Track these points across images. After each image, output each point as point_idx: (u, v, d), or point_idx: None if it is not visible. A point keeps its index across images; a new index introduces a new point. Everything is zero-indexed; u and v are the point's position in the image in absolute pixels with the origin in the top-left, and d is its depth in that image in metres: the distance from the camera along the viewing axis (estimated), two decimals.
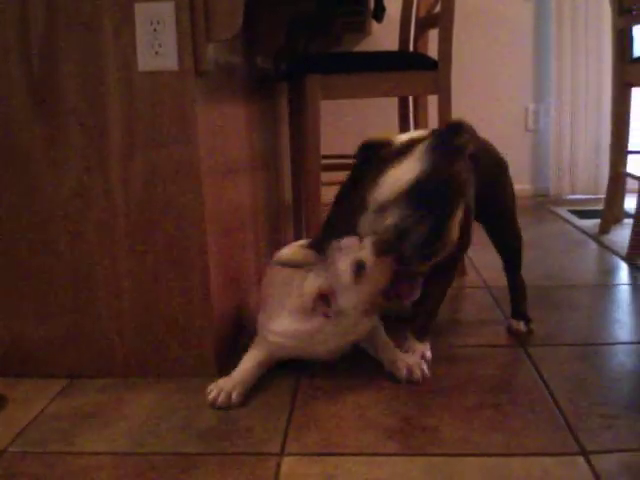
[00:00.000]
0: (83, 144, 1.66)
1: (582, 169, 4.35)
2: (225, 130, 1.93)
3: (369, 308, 1.59)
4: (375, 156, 1.57)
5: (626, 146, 3.28)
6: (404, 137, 1.61)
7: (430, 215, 1.47)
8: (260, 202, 2.45)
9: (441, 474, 1.28)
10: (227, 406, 1.57)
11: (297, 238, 2.88)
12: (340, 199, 1.75)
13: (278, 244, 2.65)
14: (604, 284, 2.52)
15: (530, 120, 4.44)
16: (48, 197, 1.69)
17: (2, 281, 1.75)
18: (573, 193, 4.38)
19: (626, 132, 3.27)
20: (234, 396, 1.58)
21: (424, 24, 2.99)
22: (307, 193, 2.48)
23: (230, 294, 1.94)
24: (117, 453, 1.40)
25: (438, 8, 2.56)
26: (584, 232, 3.36)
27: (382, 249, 1.53)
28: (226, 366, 1.70)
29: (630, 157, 3.31)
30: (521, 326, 1.97)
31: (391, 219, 1.49)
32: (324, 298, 1.57)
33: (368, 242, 1.56)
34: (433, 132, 1.58)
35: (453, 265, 1.81)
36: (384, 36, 3.84)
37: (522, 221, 2.00)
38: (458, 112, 2.50)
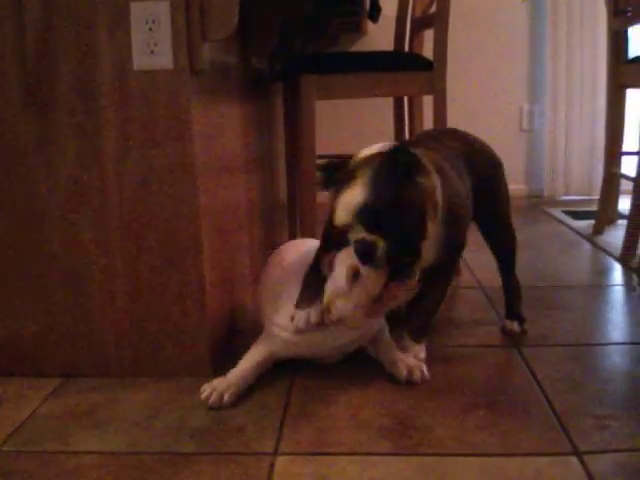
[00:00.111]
0: (78, 143, 1.66)
1: (576, 170, 4.36)
2: (220, 129, 1.93)
3: (368, 312, 1.59)
4: (332, 178, 1.58)
5: (620, 147, 3.29)
6: (361, 155, 1.58)
7: (388, 236, 1.46)
8: (255, 202, 2.45)
9: (434, 474, 1.28)
10: (219, 406, 1.57)
11: (292, 238, 2.88)
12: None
13: (273, 244, 2.65)
14: (598, 285, 2.53)
15: (525, 121, 4.45)
16: (43, 196, 1.69)
17: None
18: (567, 194, 4.39)
19: (620, 133, 3.27)
20: (226, 397, 1.58)
21: (420, 24, 2.99)
22: (302, 193, 2.48)
23: (225, 293, 1.94)
24: (111, 452, 1.40)
25: (434, 8, 2.57)
26: (578, 233, 3.36)
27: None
28: (220, 365, 1.70)
29: (624, 158, 3.31)
30: (515, 326, 1.98)
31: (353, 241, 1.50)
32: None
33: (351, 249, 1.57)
34: (385, 152, 1.56)
35: (451, 266, 1.81)
36: (380, 36, 3.85)
37: (516, 222, 2.00)
38: (453, 112, 2.51)
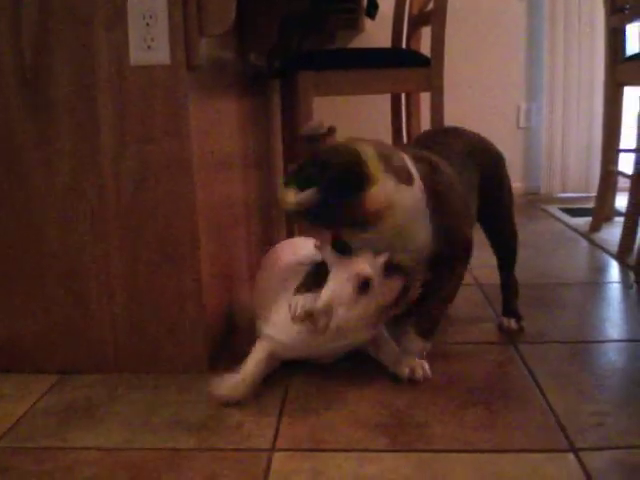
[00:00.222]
0: (75, 138, 1.65)
1: (573, 167, 4.36)
2: (217, 125, 1.93)
3: (370, 323, 1.59)
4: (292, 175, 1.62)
5: (617, 145, 3.29)
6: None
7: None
8: (252, 198, 2.44)
9: (431, 470, 1.28)
10: (231, 401, 1.56)
11: (289, 234, 2.88)
12: None
13: (270, 240, 2.65)
14: (595, 282, 2.53)
15: (522, 118, 4.45)
16: (40, 192, 1.68)
17: None
18: (564, 191, 4.39)
19: (618, 131, 3.27)
20: (240, 389, 1.57)
21: (417, 21, 3.00)
22: None
23: (222, 290, 1.94)
24: (108, 448, 1.40)
25: (431, 5, 2.57)
26: (575, 230, 3.37)
27: (392, 269, 1.57)
28: (218, 362, 1.70)
29: (621, 156, 3.32)
30: (512, 324, 1.98)
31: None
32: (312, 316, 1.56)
33: (371, 258, 1.57)
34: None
35: (456, 262, 1.73)
36: (377, 33, 3.85)
37: None
38: (450, 109, 2.51)
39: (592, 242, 3.10)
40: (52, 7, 1.60)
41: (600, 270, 2.73)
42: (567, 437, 1.38)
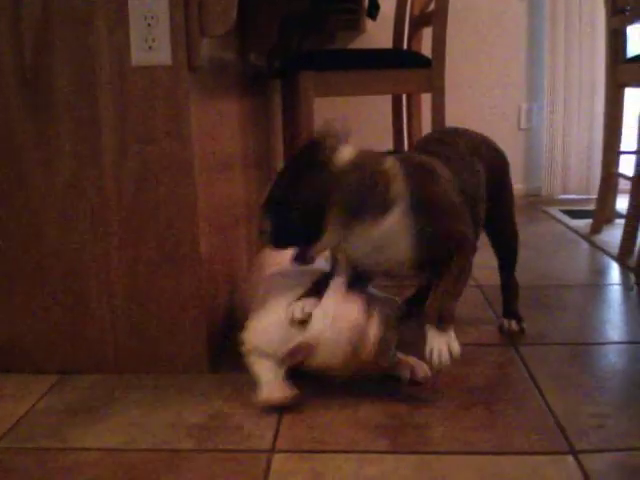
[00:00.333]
0: (76, 139, 1.66)
1: (574, 169, 4.36)
2: (218, 126, 1.93)
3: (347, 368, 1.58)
4: None
5: (618, 146, 3.29)
6: None
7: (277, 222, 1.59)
8: (253, 199, 2.44)
9: (431, 472, 1.28)
10: (285, 400, 1.55)
11: None
12: None
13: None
14: (595, 284, 2.53)
15: (523, 119, 4.45)
16: (40, 192, 1.68)
17: None
18: (565, 193, 4.39)
19: (619, 132, 3.27)
20: (284, 387, 1.57)
21: (418, 22, 3.00)
22: None
23: (222, 290, 1.94)
24: (108, 449, 1.40)
25: (432, 6, 2.57)
26: (576, 232, 3.37)
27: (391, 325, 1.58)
28: (218, 362, 1.70)
29: (622, 157, 3.32)
30: (513, 325, 1.97)
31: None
32: (299, 353, 1.56)
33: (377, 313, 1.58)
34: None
35: (455, 263, 1.63)
36: (378, 34, 3.85)
37: None
38: (451, 110, 2.51)
39: (593, 244, 3.10)
40: (53, 7, 1.60)
41: (601, 272, 2.73)
42: (567, 439, 1.38)
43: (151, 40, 1.60)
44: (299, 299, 1.61)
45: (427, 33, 2.66)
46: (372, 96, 3.10)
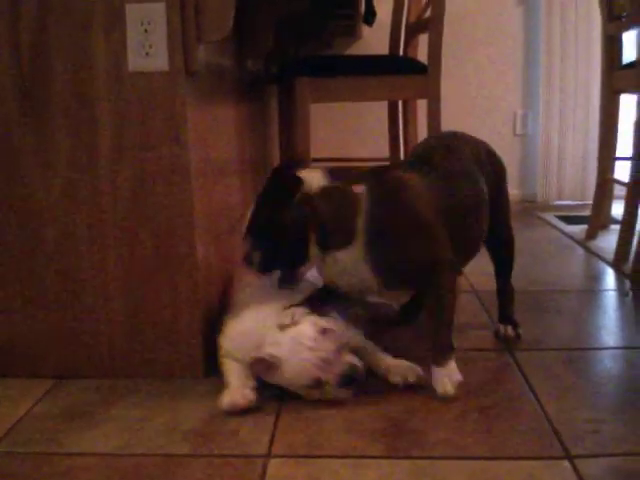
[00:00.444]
0: (72, 144, 1.66)
1: (570, 175, 4.36)
2: (215, 131, 1.93)
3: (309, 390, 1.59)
4: None
5: (614, 152, 3.29)
6: None
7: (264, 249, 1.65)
8: (249, 204, 2.44)
9: (426, 477, 1.28)
10: (246, 406, 1.55)
11: None
12: None
13: None
14: (591, 290, 2.53)
15: (519, 125, 4.45)
16: (37, 197, 1.69)
17: None
18: (560, 199, 4.39)
19: (614, 138, 3.28)
20: (247, 393, 1.57)
21: (414, 29, 3.00)
22: None
23: (218, 295, 1.94)
24: (103, 454, 1.40)
25: (428, 13, 2.58)
26: (571, 238, 3.37)
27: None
28: (213, 367, 1.70)
29: (618, 163, 3.32)
30: (509, 330, 1.97)
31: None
32: (259, 365, 1.57)
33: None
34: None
35: (436, 287, 1.67)
36: (375, 40, 3.85)
37: None
38: (447, 116, 2.52)
39: (588, 250, 3.11)
40: (50, 12, 1.60)
41: (596, 278, 2.73)
42: (562, 444, 1.38)
43: (148, 46, 1.60)
44: (290, 307, 1.64)
45: (423, 39, 2.67)
46: (368, 102, 3.11)
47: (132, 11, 1.59)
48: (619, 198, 3.19)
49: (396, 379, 1.66)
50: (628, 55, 3.15)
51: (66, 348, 1.76)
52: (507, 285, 2.03)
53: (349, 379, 1.56)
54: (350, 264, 1.62)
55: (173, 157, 1.65)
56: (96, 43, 1.61)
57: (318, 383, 1.55)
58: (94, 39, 1.61)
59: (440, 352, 1.63)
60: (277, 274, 1.69)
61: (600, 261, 2.90)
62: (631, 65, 2.96)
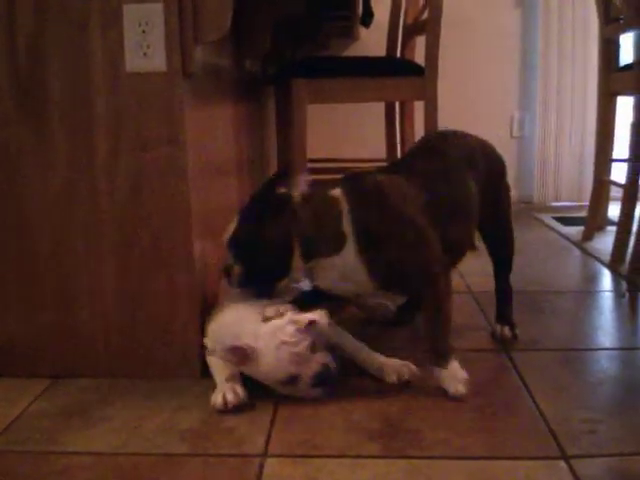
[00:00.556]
0: (69, 144, 1.66)
1: (566, 176, 4.37)
2: (212, 132, 1.93)
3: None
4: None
5: (610, 154, 3.30)
6: None
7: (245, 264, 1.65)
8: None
9: (423, 476, 1.29)
10: (238, 404, 1.56)
11: None
12: None
13: None
14: (587, 291, 2.54)
15: (515, 127, 4.46)
16: (33, 195, 1.69)
17: None
18: (557, 200, 4.40)
19: (611, 140, 3.28)
20: (238, 390, 1.58)
21: (411, 30, 3.01)
22: None
23: (215, 295, 1.94)
24: (100, 453, 1.40)
25: (426, 15, 2.58)
26: (568, 239, 3.37)
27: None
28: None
29: (614, 165, 3.33)
30: (506, 331, 1.97)
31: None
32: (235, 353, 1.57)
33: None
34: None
35: (427, 293, 1.67)
36: (372, 42, 3.85)
37: None
38: (444, 118, 2.52)
39: (585, 251, 3.11)
40: (47, 13, 1.61)
41: (592, 279, 2.74)
42: (559, 444, 1.39)
43: (145, 46, 1.61)
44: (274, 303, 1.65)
45: (420, 41, 2.67)
46: (365, 103, 3.11)
47: (129, 11, 1.60)
48: (615, 200, 3.20)
49: (391, 378, 1.66)
50: (625, 57, 3.16)
51: (63, 347, 1.76)
52: (505, 285, 2.03)
53: (322, 379, 1.57)
54: (346, 268, 1.62)
55: (170, 157, 1.65)
56: (93, 43, 1.61)
57: (292, 379, 1.56)
58: (91, 39, 1.61)
59: (441, 355, 1.63)
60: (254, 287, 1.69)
61: (596, 262, 2.90)
62: (628, 67, 2.97)
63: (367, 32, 3.88)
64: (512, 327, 1.98)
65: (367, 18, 3.55)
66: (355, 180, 1.70)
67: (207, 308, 1.79)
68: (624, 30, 3.05)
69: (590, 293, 2.51)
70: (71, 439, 1.46)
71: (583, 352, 1.89)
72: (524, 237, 3.35)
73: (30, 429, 1.51)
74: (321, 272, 1.64)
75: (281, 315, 1.59)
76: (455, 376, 1.62)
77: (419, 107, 2.65)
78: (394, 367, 1.68)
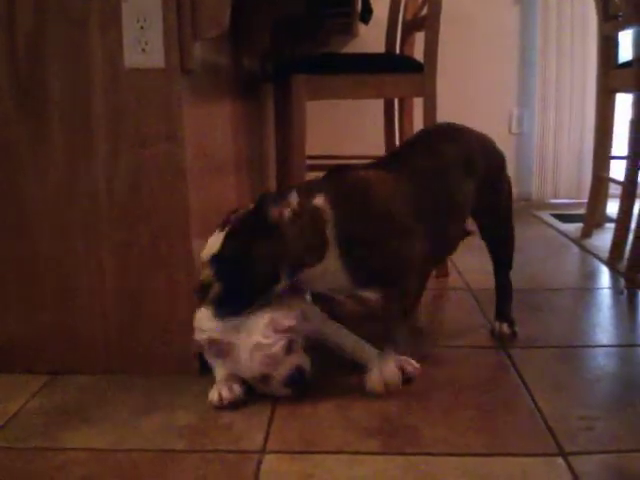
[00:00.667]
0: (68, 141, 1.66)
1: (565, 173, 4.37)
2: (211, 129, 1.93)
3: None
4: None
5: (609, 151, 3.30)
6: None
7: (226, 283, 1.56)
8: (245, 202, 2.44)
9: (421, 473, 1.29)
10: (234, 400, 1.56)
11: None
12: None
13: None
14: (585, 288, 2.54)
15: (514, 124, 4.46)
16: (32, 194, 1.69)
17: None
18: (556, 197, 4.39)
19: (609, 137, 3.29)
20: (235, 388, 1.58)
21: (411, 27, 3.00)
22: None
23: None
24: (99, 449, 1.40)
25: (425, 11, 2.58)
26: (566, 236, 3.38)
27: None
28: (208, 364, 1.70)
29: (613, 162, 3.33)
30: (505, 328, 1.97)
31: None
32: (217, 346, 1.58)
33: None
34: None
35: (395, 297, 1.69)
36: (371, 38, 3.85)
37: None
38: (443, 114, 2.52)
39: (583, 248, 3.11)
40: (46, 10, 1.60)
41: (591, 276, 2.74)
42: (556, 441, 1.39)
43: (144, 43, 1.60)
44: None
45: (419, 38, 2.66)
46: (364, 100, 3.11)
47: (128, 7, 1.59)
48: (614, 197, 3.20)
49: (377, 388, 1.66)
50: (624, 54, 3.15)
51: (62, 344, 1.76)
52: (505, 282, 2.02)
53: (293, 381, 1.57)
54: (327, 275, 1.61)
55: (169, 154, 1.65)
56: (92, 40, 1.61)
57: (264, 378, 1.56)
58: (90, 36, 1.61)
59: (388, 344, 1.66)
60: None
61: (595, 259, 2.91)
62: (627, 64, 2.97)
63: (366, 29, 3.87)
64: (511, 324, 1.98)
65: (366, 15, 3.55)
66: (339, 183, 1.66)
67: None
68: (623, 27, 3.05)
69: (588, 290, 2.51)
70: (69, 436, 1.46)
71: (581, 349, 1.90)
72: (522, 234, 3.33)
73: (28, 426, 1.51)
74: (305, 280, 1.63)
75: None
76: (384, 373, 1.63)
77: (418, 104, 2.65)
78: (381, 378, 1.67)
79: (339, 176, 1.69)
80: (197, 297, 1.60)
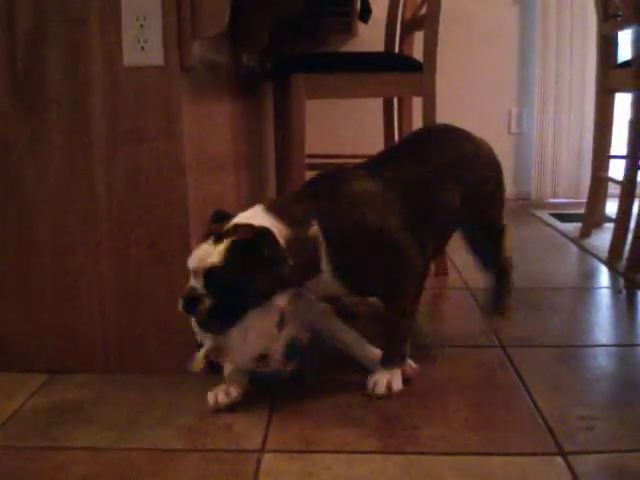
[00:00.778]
0: (66, 139, 1.66)
1: (564, 173, 4.37)
2: (210, 127, 1.93)
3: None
4: (209, 225, 1.57)
5: (608, 151, 3.30)
6: (241, 218, 1.54)
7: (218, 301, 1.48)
8: (244, 200, 2.44)
9: (420, 472, 1.29)
10: (230, 404, 1.56)
11: None
12: None
13: None
14: (584, 287, 2.54)
15: (513, 123, 4.46)
16: (30, 191, 1.68)
17: None
18: (555, 197, 4.40)
19: (608, 137, 3.29)
20: (232, 391, 1.57)
21: (410, 26, 3.00)
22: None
23: None
24: (97, 448, 1.40)
25: (424, 10, 2.57)
26: (565, 235, 3.38)
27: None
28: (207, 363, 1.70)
29: (612, 162, 3.33)
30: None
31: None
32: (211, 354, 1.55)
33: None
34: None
35: (396, 296, 1.67)
36: (370, 37, 3.85)
37: None
38: (442, 114, 2.52)
39: (582, 248, 3.11)
40: (46, 7, 1.60)
41: (590, 275, 2.74)
42: (555, 440, 1.39)
43: (143, 41, 1.60)
44: None
45: (419, 37, 2.66)
46: (363, 99, 3.11)
47: (127, 6, 1.59)
48: (613, 196, 3.20)
49: (376, 390, 1.66)
50: (623, 54, 3.15)
51: (61, 343, 1.75)
52: (501, 274, 2.01)
53: (292, 350, 1.54)
54: (320, 287, 1.60)
55: (168, 152, 1.64)
56: (91, 38, 1.61)
57: (263, 357, 1.53)
58: (89, 34, 1.61)
59: (390, 359, 1.65)
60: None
61: (594, 259, 2.91)
62: (626, 64, 2.97)
63: (365, 28, 3.87)
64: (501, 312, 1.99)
65: (365, 14, 3.54)
66: (331, 206, 1.60)
67: None
68: (622, 27, 3.05)
69: (587, 290, 2.51)
70: (68, 434, 1.46)
71: (580, 349, 1.90)
72: (521, 234, 3.35)
73: (27, 425, 1.51)
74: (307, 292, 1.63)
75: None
76: (390, 381, 1.62)
77: (417, 103, 2.65)
78: (376, 379, 1.67)
79: (330, 192, 1.63)
80: (183, 312, 1.51)
